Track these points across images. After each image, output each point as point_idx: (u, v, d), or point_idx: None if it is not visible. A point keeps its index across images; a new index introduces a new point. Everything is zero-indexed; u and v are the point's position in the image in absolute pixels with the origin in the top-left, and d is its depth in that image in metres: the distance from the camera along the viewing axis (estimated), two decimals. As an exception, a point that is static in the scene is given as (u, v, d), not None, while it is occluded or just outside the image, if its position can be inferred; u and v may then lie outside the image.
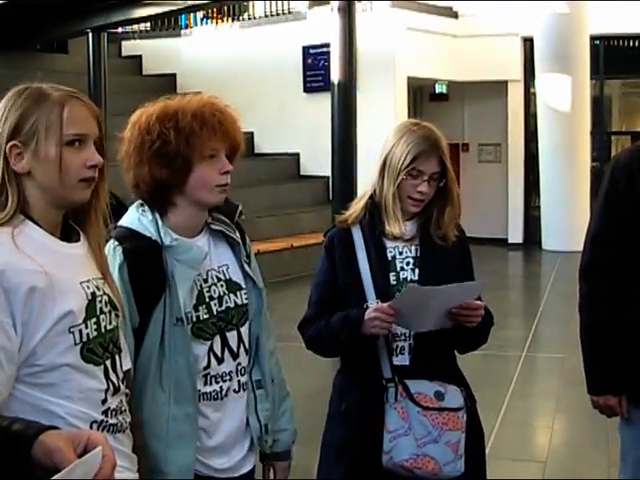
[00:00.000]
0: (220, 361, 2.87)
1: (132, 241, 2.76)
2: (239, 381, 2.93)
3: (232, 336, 2.91)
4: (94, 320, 2.29)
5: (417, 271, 3.35)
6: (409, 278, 3.34)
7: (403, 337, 3.32)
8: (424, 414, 3.23)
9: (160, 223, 2.79)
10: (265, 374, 3.03)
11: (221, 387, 2.87)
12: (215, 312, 2.86)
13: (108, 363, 2.34)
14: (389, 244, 3.37)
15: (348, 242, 3.38)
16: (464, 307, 3.21)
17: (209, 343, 2.85)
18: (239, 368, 2.93)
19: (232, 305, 2.91)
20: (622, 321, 3.51)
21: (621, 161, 3.56)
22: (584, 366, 3.64)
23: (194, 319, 2.81)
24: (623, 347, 3.51)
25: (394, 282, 3.33)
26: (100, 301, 2.34)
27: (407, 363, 3.32)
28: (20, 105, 2.27)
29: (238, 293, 2.94)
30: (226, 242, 2.98)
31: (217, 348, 2.87)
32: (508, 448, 6.49)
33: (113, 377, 2.35)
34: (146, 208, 2.82)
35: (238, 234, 3.01)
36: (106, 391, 2.32)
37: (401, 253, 3.38)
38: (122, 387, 2.40)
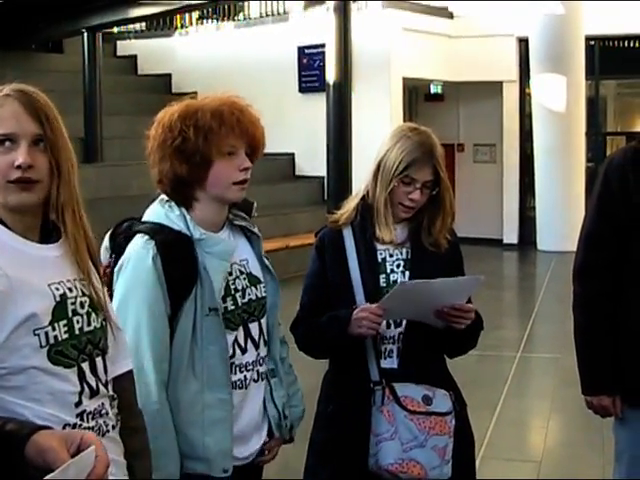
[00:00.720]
0: (244, 351, 2.97)
1: (163, 234, 2.83)
2: (258, 371, 3.03)
3: (254, 327, 3.02)
4: (64, 322, 2.25)
5: (407, 274, 3.34)
6: (399, 280, 3.32)
7: (392, 340, 3.32)
8: (411, 418, 3.22)
9: (188, 217, 2.88)
10: (277, 362, 3.15)
11: (245, 376, 2.97)
12: (240, 304, 2.96)
13: (85, 365, 2.29)
14: (380, 246, 3.36)
15: (339, 243, 3.38)
16: (455, 308, 3.22)
17: (234, 334, 2.95)
18: (259, 358, 3.03)
19: (254, 297, 3.02)
20: (615, 321, 3.52)
21: (614, 162, 3.56)
22: (578, 366, 3.65)
23: (222, 310, 2.90)
24: (617, 347, 3.52)
25: (384, 284, 3.32)
26: (73, 303, 2.29)
27: (395, 366, 3.31)
28: None
29: (258, 286, 3.06)
30: (244, 237, 3.10)
31: (241, 339, 2.97)
32: (503, 448, 6.50)
33: (91, 380, 2.30)
34: (172, 204, 2.91)
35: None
36: (80, 393, 2.27)
37: (392, 255, 3.37)
38: (103, 390, 2.35)
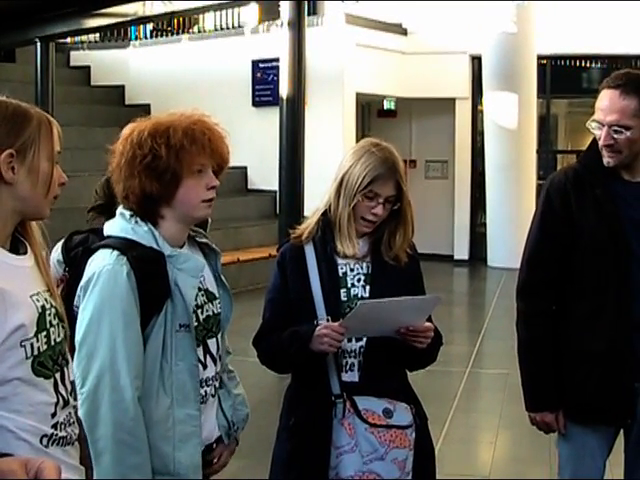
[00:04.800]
0: (204, 367, 2.98)
1: (135, 250, 2.82)
2: (215, 386, 3.05)
3: (212, 343, 3.04)
4: (44, 333, 2.28)
5: (368, 288, 3.37)
6: (360, 294, 3.36)
7: (353, 354, 3.34)
8: (371, 431, 3.24)
9: (156, 233, 2.87)
10: (224, 372, 3.19)
11: (205, 391, 2.99)
12: (201, 320, 2.97)
13: (57, 376, 2.33)
14: (340, 260, 3.39)
15: (300, 258, 3.40)
16: (413, 329, 3.24)
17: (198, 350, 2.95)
18: (216, 374, 3.06)
19: (211, 314, 3.03)
20: (558, 338, 3.57)
21: (555, 181, 3.63)
22: (521, 383, 3.71)
23: (194, 326, 2.91)
24: (559, 364, 3.56)
25: (345, 298, 3.35)
26: (49, 314, 2.32)
27: (356, 380, 3.34)
28: None
29: (214, 302, 3.06)
30: (202, 253, 3.10)
31: (201, 355, 2.97)
32: (452, 464, 6.51)
33: (62, 390, 2.34)
34: (138, 219, 2.89)
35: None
36: (56, 404, 2.31)
37: (352, 270, 3.40)
38: (71, 400, 2.39)
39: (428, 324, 3.30)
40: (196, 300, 2.94)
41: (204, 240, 3.11)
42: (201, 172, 2.89)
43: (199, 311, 2.95)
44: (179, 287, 2.84)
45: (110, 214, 3.08)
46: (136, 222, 2.88)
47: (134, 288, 2.77)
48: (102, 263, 2.78)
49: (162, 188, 2.84)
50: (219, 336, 3.08)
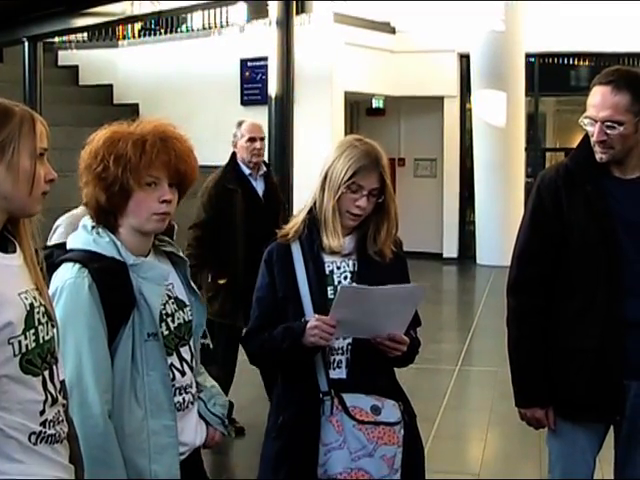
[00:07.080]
0: (182, 374, 2.96)
1: (97, 263, 2.78)
2: (192, 393, 3.02)
3: (185, 351, 3.00)
4: (32, 331, 2.28)
5: (354, 285, 3.36)
6: (346, 292, 3.35)
7: (340, 351, 3.35)
8: (359, 428, 3.24)
9: (119, 244, 2.83)
10: (199, 375, 3.16)
11: (183, 398, 2.96)
12: (172, 328, 2.94)
13: (46, 374, 2.33)
14: (327, 258, 3.40)
15: (287, 256, 3.41)
16: (388, 338, 3.26)
17: (170, 359, 2.91)
18: (192, 381, 3.03)
19: (182, 321, 2.99)
20: (548, 335, 3.58)
21: (546, 178, 3.63)
22: (512, 379, 3.71)
23: (161, 334, 2.88)
24: (549, 360, 3.57)
25: (332, 296, 3.34)
26: (38, 312, 2.32)
27: (344, 377, 3.34)
28: None
29: (185, 310, 3.03)
30: (169, 261, 3.06)
31: (176, 362, 2.95)
32: (442, 461, 6.51)
33: (51, 388, 2.34)
34: (100, 230, 2.86)
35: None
36: (44, 402, 2.30)
37: (339, 267, 3.41)
38: (60, 398, 2.39)
39: (404, 337, 3.31)
40: (166, 309, 2.92)
41: (168, 249, 3.07)
42: (153, 185, 2.83)
43: (169, 319, 2.93)
44: (144, 296, 2.81)
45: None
46: (97, 233, 2.85)
47: (97, 300, 2.73)
48: (64, 277, 2.75)
49: (110, 199, 2.80)
50: (191, 343, 3.05)
